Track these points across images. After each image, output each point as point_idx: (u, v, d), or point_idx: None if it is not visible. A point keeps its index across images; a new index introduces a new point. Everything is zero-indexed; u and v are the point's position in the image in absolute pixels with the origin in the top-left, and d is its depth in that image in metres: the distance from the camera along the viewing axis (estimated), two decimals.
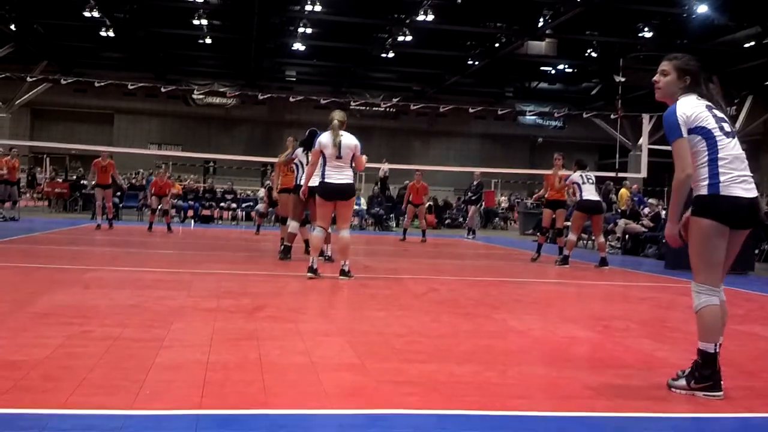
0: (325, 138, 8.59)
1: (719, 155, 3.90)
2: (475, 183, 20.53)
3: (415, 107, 34.03)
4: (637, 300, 8.29)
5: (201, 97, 40.02)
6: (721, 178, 3.87)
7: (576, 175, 12.00)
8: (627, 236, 16.98)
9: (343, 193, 8.48)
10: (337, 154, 8.46)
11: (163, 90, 30.48)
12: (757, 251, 14.64)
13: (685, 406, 3.72)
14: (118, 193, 23.44)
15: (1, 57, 31.28)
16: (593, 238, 14.51)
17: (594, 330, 5.93)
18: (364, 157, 8.92)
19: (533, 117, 41.51)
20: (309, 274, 8.48)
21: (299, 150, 10.82)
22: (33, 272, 8.11)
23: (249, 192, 28.08)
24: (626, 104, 29.88)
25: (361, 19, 28.40)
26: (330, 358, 4.35)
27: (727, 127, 3.97)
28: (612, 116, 29.50)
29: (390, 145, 41.17)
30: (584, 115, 34.72)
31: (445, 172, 35.70)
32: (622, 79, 26.35)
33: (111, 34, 30.43)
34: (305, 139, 10.78)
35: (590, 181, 11.97)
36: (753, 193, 3.93)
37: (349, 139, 8.59)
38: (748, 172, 3.97)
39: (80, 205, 25.37)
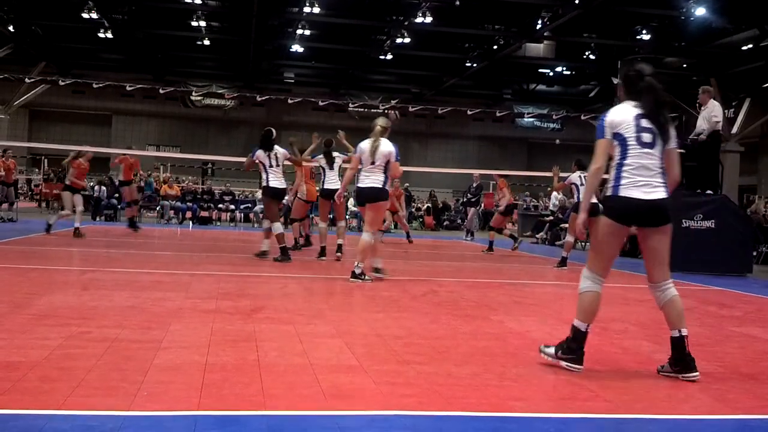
0: (364, 144, 8.79)
1: (626, 161, 4.31)
2: (474, 185, 20.53)
3: (414, 109, 34.08)
4: (635, 302, 8.29)
5: (199, 98, 40.04)
6: (622, 182, 4.30)
7: (575, 176, 12.02)
8: (625, 238, 16.98)
9: (371, 196, 8.63)
10: (371, 160, 8.62)
11: (161, 91, 30.53)
12: (755, 253, 14.65)
13: (684, 407, 3.73)
14: (116, 195, 23.45)
15: None
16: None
17: (592, 332, 5.91)
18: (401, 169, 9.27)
19: (531, 119, 41.58)
20: (352, 280, 8.49)
21: (259, 151, 10.88)
22: (31, 273, 8.10)
23: (247, 193, 28.07)
24: None
25: (360, 21, 28.41)
26: (328, 360, 4.35)
27: (647, 137, 4.31)
28: None
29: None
30: (582, 117, 34.79)
31: (443, 174, 35.75)
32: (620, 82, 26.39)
33: (109, 35, 30.42)
34: (262, 140, 10.94)
35: None
36: (654, 195, 4.29)
37: (385, 146, 8.72)
38: (657, 180, 4.32)
39: None
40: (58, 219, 13.99)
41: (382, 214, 9.03)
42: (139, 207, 23.16)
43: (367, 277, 8.55)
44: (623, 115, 4.38)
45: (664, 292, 4.56)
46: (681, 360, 4.31)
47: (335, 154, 11.78)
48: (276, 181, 10.84)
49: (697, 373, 4.25)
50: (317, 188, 12.79)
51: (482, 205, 23.12)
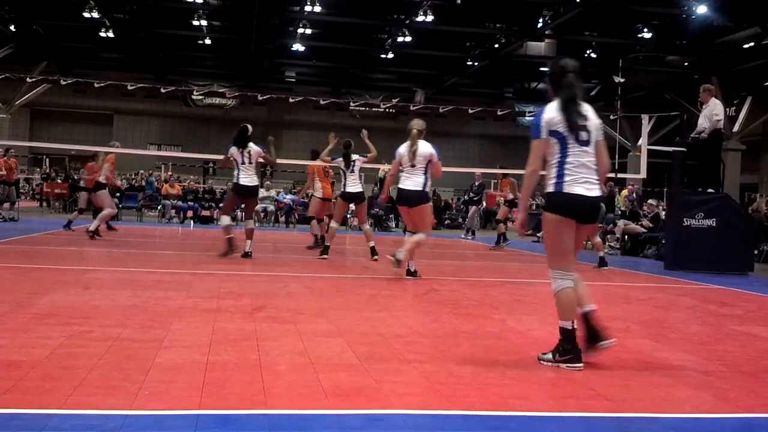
0: (402, 148, 9.04)
1: (568, 159, 4.40)
2: (476, 183, 20.51)
3: (415, 108, 34.01)
4: (636, 300, 8.29)
5: (200, 97, 40.02)
6: (566, 179, 4.40)
7: None
8: (626, 237, 16.99)
9: (412, 199, 8.85)
10: (411, 162, 8.86)
11: (162, 91, 30.41)
12: (756, 252, 14.64)
13: (685, 406, 3.73)
14: (118, 194, 23.45)
15: (0, 57, 31.26)
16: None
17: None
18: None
19: (532, 118, 41.50)
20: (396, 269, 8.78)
21: (233, 148, 10.93)
22: (32, 273, 8.11)
23: None
24: (625, 105, 29.92)
25: (361, 20, 28.39)
26: (329, 359, 4.35)
27: (584, 135, 4.43)
28: (611, 117, 29.48)
29: (389, 146, 41.13)
30: None
31: (445, 173, 35.70)
32: (622, 80, 26.31)
33: (110, 34, 30.43)
34: (236, 136, 10.95)
35: None
36: (595, 193, 4.43)
37: (424, 147, 8.96)
38: (593, 177, 4.45)
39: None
40: (101, 221, 13.65)
41: (427, 216, 9.16)
42: (140, 206, 23.24)
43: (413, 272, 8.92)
44: (554, 113, 4.46)
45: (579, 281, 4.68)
46: (599, 329, 4.54)
47: (354, 156, 11.74)
48: (246, 178, 10.80)
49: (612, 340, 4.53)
50: (338, 190, 12.94)
51: (484, 203, 23.09)
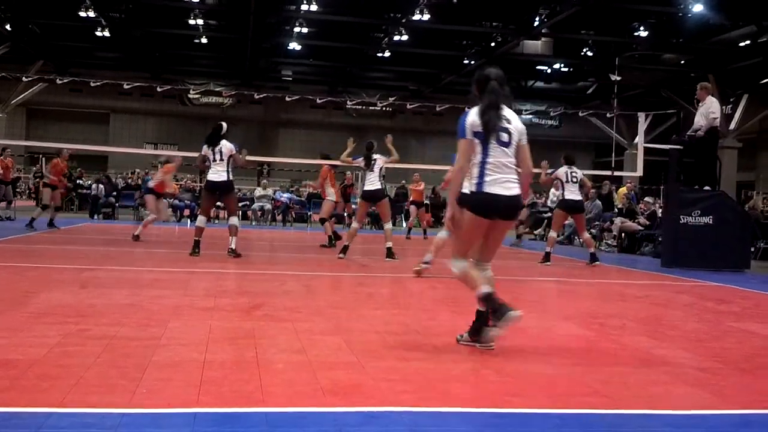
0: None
1: (488, 160, 4.67)
2: None
3: (411, 106, 34.09)
4: (633, 298, 8.30)
5: (197, 96, 39.99)
6: (486, 179, 4.67)
7: (562, 171, 12.09)
8: (623, 234, 17.01)
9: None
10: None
11: (158, 89, 30.49)
12: (753, 249, 14.66)
13: (682, 403, 3.73)
14: (114, 193, 23.46)
15: None
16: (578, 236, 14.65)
17: (590, 328, 5.95)
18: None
19: (529, 116, 41.53)
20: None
21: (205, 146, 11.02)
22: (29, 271, 8.10)
23: (245, 191, 28.06)
24: (622, 103, 30.00)
25: (357, 19, 28.38)
26: (327, 357, 4.35)
27: (504, 137, 4.70)
28: (608, 115, 29.59)
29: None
30: (580, 114, 34.82)
31: (442, 171, 35.70)
32: (618, 78, 26.40)
33: (106, 33, 30.39)
34: (209, 134, 11.00)
35: (574, 179, 12.02)
36: (513, 192, 4.69)
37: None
38: (513, 176, 4.71)
39: (76, 204, 25.32)
40: (144, 225, 13.69)
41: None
42: (137, 205, 23.19)
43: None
44: (476, 116, 4.72)
45: (486, 271, 4.92)
46: (494, 311, 4.65)
47: (376, 156, 11.72)
48: (215, 174, 10.80)
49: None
50: (359, 190, 13.14)
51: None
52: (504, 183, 4.67)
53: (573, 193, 12.02)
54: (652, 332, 5.92)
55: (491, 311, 4.63)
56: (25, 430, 2.86)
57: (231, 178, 10.91)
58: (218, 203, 23.73)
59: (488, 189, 4.65)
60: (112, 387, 3.48)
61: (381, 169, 11.60)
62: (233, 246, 10.68)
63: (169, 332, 4.84)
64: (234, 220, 11.10)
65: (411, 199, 18.58)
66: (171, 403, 3.29)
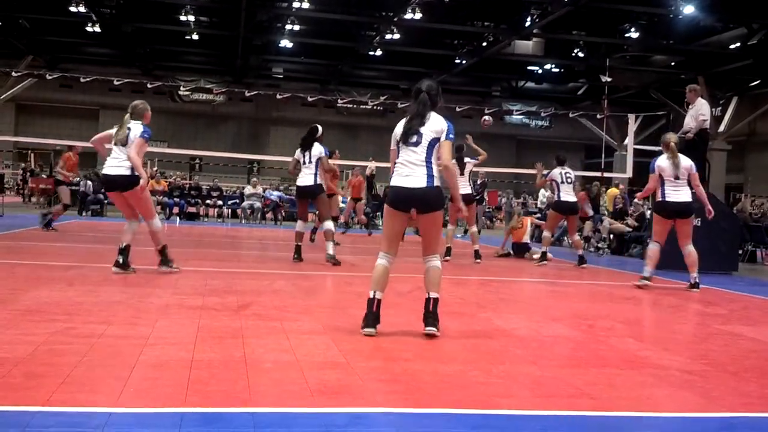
0: (663, 162, 9.11)
1: (398, 160, 5.32)
2: (478, 182, 20.53)
3: (403, 105, 34.01)
4: (621, 299, 8.32)
5: (187, 93, 39.90)
6: (394, 175, 5.30)
7: (556, 172, 12.10)
8: (612, 236, 17.05)
9: (683, 212, 9.17)
10: (675, 175, 9.05)
11: (149, 86, 30.34)
12: (740, 252, 14.72)
13: (669, 405, 3.75)
14: (103, 189, 23.25)
15: None
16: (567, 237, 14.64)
17: (578, 329, 5.96)
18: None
19: (520, 116, 41.66)
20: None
21: (298, 150, 10.82)
22: (16, 268, 8.06)
23: (235, 189, 28.00)
24: (612, 104, 30.07)
25: (349, 17, 28.38)
26: (315, 357, 4.35)
27: (414, 138, 5.26)
28: (598, 116, 29.63)
29: (377, 143, 41.12)
30: (570, 115, 34.89)
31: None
32: (609, 79, 26.46)
33: (97, 29, 30.29)
34: (305, 137, 10.62)
35: (569, 180, 12.06)
36: (413, 184, 5.17)
37: (685, 161, 9.20)
38: (415, 173, 5.20)
39: None
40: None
41: (689, 226, 9.45)
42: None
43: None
44: (399, 125, 5.44)
45: (427, 263, 5.35)
46: (427, 316, 5.17)
47: (466, 159, 11.70)
48: (303, 179, 10.36)
49: (433, 329, 5.10)
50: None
51: (486, 201, 23.04)
52: (406, 177, 5.23)
53: (568, 195, 12.03)
54: (640, 334, 5.95)
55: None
56: (11, 428, 2.85)
57: (319, 181, 10.41)
58: (207, 202, 23.83)
59: (393, 183, 5.32)
60: (100, 386, 3.48)
61: (470, 172, 11.86)
62: (331, 252, 10.16)
63: (157, 331, 4.83)
64: (329, 225, 10.39)
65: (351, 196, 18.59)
66: (158, 402, 3.29)
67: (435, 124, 5.27)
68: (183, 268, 8.51)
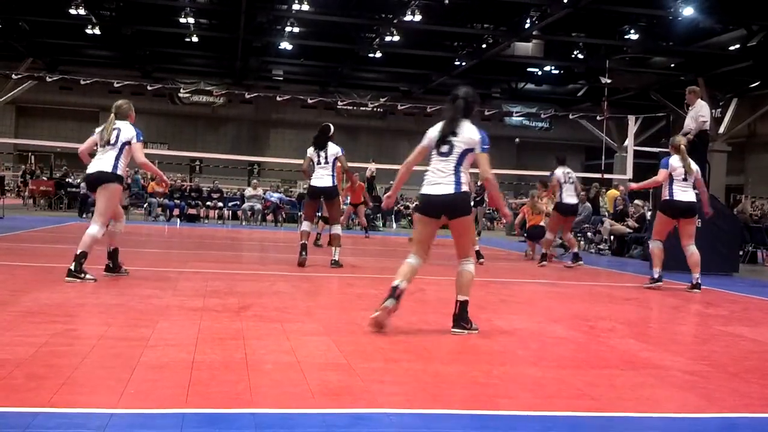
0: (676, 162, 9.28)
1: (429, 167, 5.48)
2: (478, 183, 20.52)
3: (402, 107, 34.10)
4: (622, 300, 8.32)
5: (187, 95, 39.89)
6: (425, 182, 5.46)
7: (559, 173, 12.15)
8: (612, 237, 17.04)
9: (688, 211, 9.36)
10: (684, 176, 9.29)
11: (149, 88, 30.38)
12: (741, 253, 14.72)
13: (670, 406, 3.75)
14: None
15: None
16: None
17: (579, 330, 5.96)
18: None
19: (520, 118, 41.65)
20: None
21: (311, 149, 10.76)
22: (17, 270, 8.05)
23: (235, 191, 28.00)
24: (612, 106, 30.08)
25: (349, 19, 28.39)
26: (316, 358, 4.35)
27: (445, 148, 5.42)
28: (598, 117, 29.65)
29: (377, 145, 41.22)
30: (570, 116, 34.89)
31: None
32: (609, 81, 26.49)
33: (97, 31, 30.30)
34: (317, 136, 10.40)
35: (570, 180, 12.10)
36: (442, 191, 5.36)
37: (695, 165, 9.49)
38: (445, 180, 5.38)
39: (65, 203, 25.21)
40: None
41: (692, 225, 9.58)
42: (126, 204, 23.13)
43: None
44: (432, 131, 5.58)
45: (460, 267, 5.48)
46: (454, 318, 5.38)
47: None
48: (318, 179, 10.08)
49: (458, 330, 5.32)
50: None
51: (487, 203, 22.99)
52: (434, 185, 5.42)
53: (570, 196, 12.12)
54: (640, 335, 5.94)
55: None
56: (13, 430, 2.84)
57: (335, 183, 10.19)
58: (208, 204, 23.83)
59: (423, 191, 5.52)
60: (100, 387, 3.47)
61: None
62: (336, 257, 9.97)
63: (158, 332, 4.82)
64: (337, 229, 10.22)
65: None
66: (159, 403, 3.28)
67: (468, 135, 5.41)
68: (183, 269, 8.51)
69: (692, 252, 9.35)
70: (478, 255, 11.93)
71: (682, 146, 9.33)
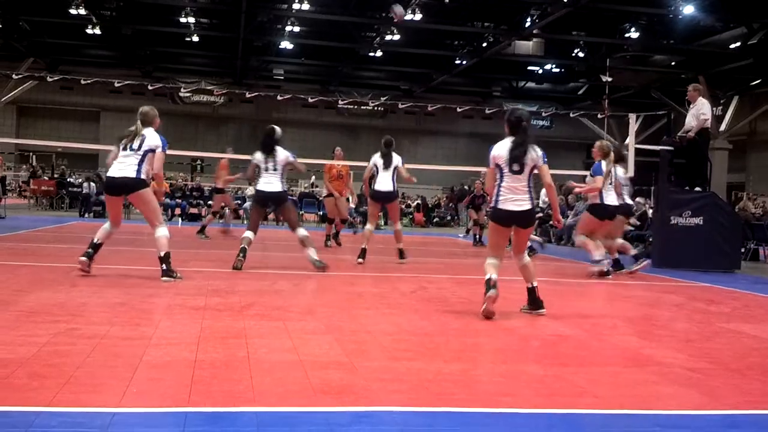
0: (605, 167, 9.96)
1: (502, 184, 6.23)
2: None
3: (403, 106, 34.06)
4: (623, 298, 8.32)
5: (188, 95, 39.86)
6: (500, 198, 6.24)
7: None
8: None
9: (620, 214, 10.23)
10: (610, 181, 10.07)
11: (149, 88, 30.32)
12: (743, 250, 14.71)
13: (672, 403, 3.75)
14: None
15: None
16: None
17: (581, 328, 5.96)
18: None
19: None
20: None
21: (258, 154, 10.65)
22: (19, 270, 8.06)
23: (237, 190, 28.00)
24: (613, 104, 30.07)
25: (349, 18, 28.36)
26: (318, 356, 4.35)
27: (516, 166, 6.16)
28: (599, 116, 29.62)
29: (378, 144, 41.07)
30: (571, 115, 34.85)
31: (432, 171, 35.77)
32: (609, 79, 26.46)
33: (97, 31, 30.26)
34: (263, 141, 10.23)
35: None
36: (518, 207, 6.19)
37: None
38: (521, 196, 6.20)
39: (66, 203, 25.24)
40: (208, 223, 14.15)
41: None
42: (127, 204, 23.12)
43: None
44: (499, 149, 6.28)
45: (521, 261, 6.53)
46: (530, 302, 6.51)
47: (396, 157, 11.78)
48: (266, 185, 9.61)
49: (544, 310, 6.46)
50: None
51: (488, 203, 22.97)
52: (512, 201, 6.21)
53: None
54: (642, 332, 5.94)
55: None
56: (15, 429, 2.85)
57: (285, 188, 9.82)
58: (209, 203, 23.81)
59: (500, 206, 6.25)
60: (103, 386, 3.48)
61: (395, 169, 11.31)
62: (315, 257, 9.38)
63: (160, 331, 4.83)
64: (302, 232, 9.41)
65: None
66: (162, 402, 3.29)
67: (534, 154, 6.22)
68: (185, 269, 8.50)
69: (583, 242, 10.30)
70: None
71: (611, 152, 10.22)
